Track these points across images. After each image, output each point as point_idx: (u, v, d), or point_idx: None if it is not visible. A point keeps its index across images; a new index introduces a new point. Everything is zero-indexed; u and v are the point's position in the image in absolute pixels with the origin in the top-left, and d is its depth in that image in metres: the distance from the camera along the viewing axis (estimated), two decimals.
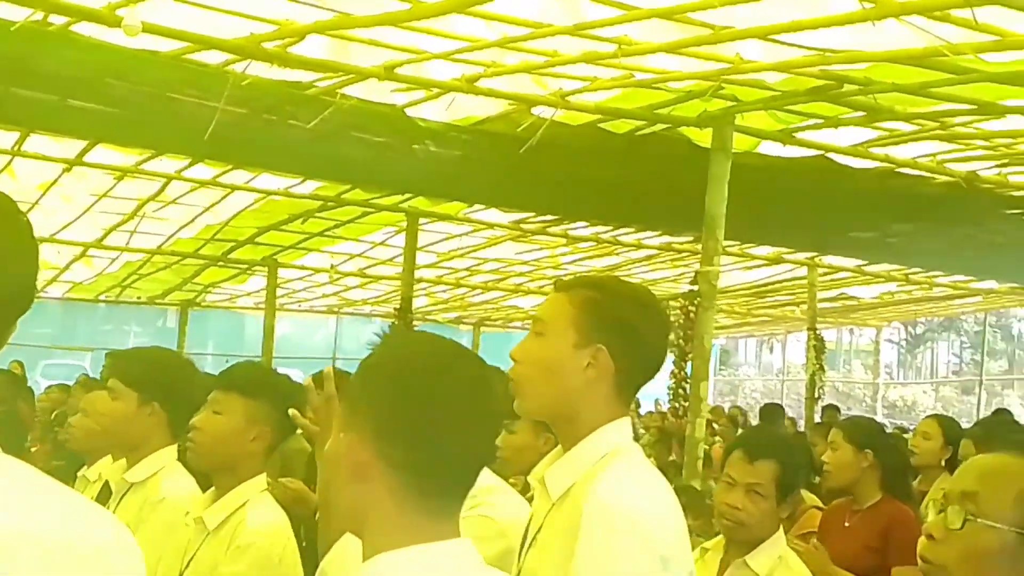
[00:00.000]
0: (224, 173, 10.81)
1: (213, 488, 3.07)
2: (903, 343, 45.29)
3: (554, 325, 2.23)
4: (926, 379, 46.21)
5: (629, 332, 2.20)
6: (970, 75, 5.70)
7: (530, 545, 2.20)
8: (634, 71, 6.36)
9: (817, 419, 13.02)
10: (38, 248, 1.45)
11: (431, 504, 1.63)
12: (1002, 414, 10.45)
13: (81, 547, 1.25)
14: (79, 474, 4.49)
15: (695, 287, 7.86)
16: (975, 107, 6.61)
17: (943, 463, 5.82)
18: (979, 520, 1.82)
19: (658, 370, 2.29)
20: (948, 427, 6.06)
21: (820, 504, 5.58)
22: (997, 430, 6.08)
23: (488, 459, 1.73)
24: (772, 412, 12.87)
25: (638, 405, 16.71)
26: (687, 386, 7.91)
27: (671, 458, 9.43)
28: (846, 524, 4.66)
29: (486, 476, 2.84)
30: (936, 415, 6.69)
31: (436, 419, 1.63)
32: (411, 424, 1.62)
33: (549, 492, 2.17)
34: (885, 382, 33.80)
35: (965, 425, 7.05)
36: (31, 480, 1.30)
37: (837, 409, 15.48)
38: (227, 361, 17.35)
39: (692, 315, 7.79)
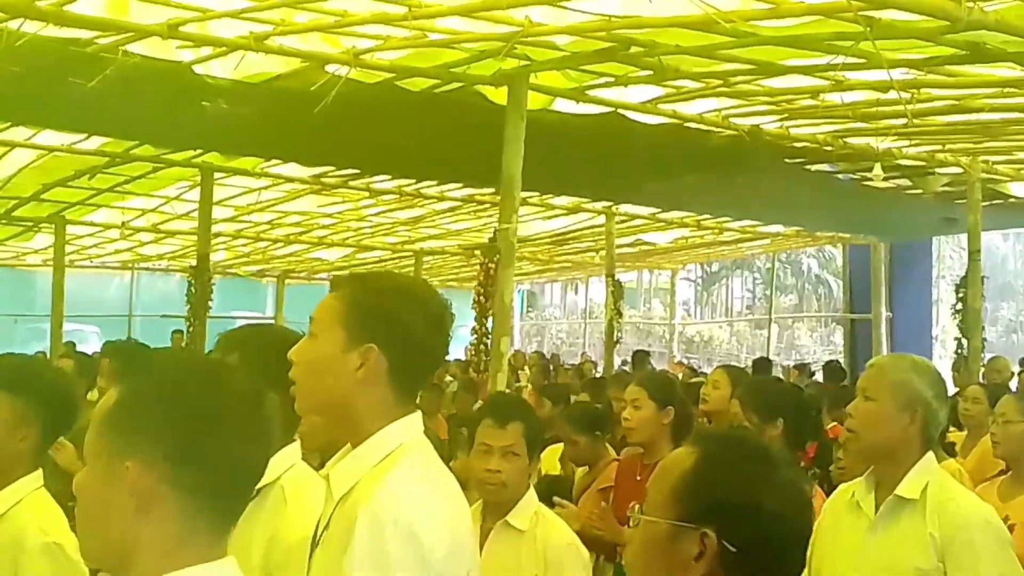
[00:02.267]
0: (2, 130, 10.27)
1: None
2: (699, 281, 47.00)
3: (325, 326, 2.21)
4: (721, 316, 48.25)
5: (399, 328, 2.18)
6: (748, 39, 5.91)
7: (317, 544, 2.19)
8: (427, 31, 6.32)
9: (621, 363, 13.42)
10: None
11: (217, 524, 1.63)
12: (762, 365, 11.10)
13: None
14: None
15: (495, 243, 7.93)
16: (756, 67, 6.87)
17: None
18: (644, 517, 1.87)
19: (437, 364, 2.30)
20: (735, 376, 6.33)
21: (617, 456, 5.71)
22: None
23: (261, 474, 1.73)
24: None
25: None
26: (488, 341, 8.01)
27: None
28: (638, 478, 4.77)
29: None
30: (725, 366, 6.99)
31: (223, 437, 1.62)
32: (201, 445, 1.60)
33: (332, 492, 2.17)
34: (682, 320, 35.05)
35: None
36: None
37: (647, 355, 15.66)
38: (15, 321, 16.83)
39: (492, 271, 7.87)
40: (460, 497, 2.25)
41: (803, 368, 14.90)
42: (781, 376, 12.48)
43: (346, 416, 2.21)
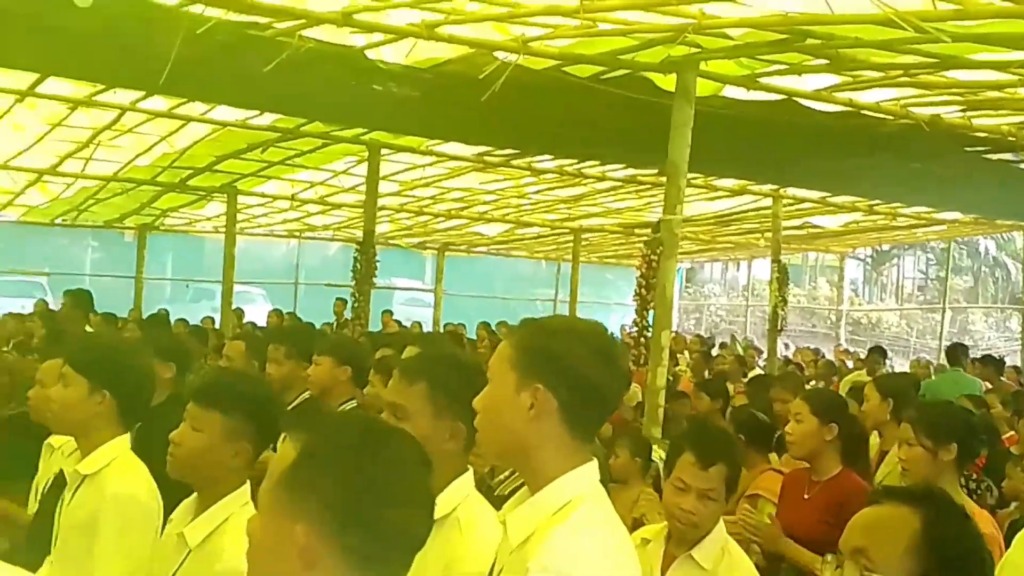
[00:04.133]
0: (180, 105, 10.68)
1: (195, 497, 3.01)
2: (868, 260, 45.44)
3: (498, 370, 2.21)
4: (891, 296, 46.57)
5: (565, 367, 2.14)
6: (931, 35, 5.62)
7: None
8: (597, 22, 6.25)
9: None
10: None
11: None
12: (956, 352, 10.50)
13: None
14: (47, 441, 4.45)
15: (657, 234, 7.80)
16: (939, 60, 6.56)
17: (889, 416, 5.85)
18: (874, 575, 1.89)
19: (611, 403, 2.24)
20: (886, 385, 6.09)
21: (778, 466, 5.56)
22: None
23: (424, 540, 1.73)
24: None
25: None
26: (648, 334, 7.91)
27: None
28: (805, 496, 4.65)
29: None
30: (876, 378, 6.74)
31: (392, 505, 1.65)
32: (370, 512, 1.63)
33: (509, 537, 2.15)
34: (849, 305, 33.93)
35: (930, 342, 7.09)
36: None
37: (883, 353, 13.52)
38: (187, 286, 17.53)
39: (654, 264, 7.75)
40: (630, 552, 2.19)
41: (991, 362, 12.23)
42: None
43: (526, 459, 2.19)
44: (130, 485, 3.21)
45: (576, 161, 12.67)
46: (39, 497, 4.02)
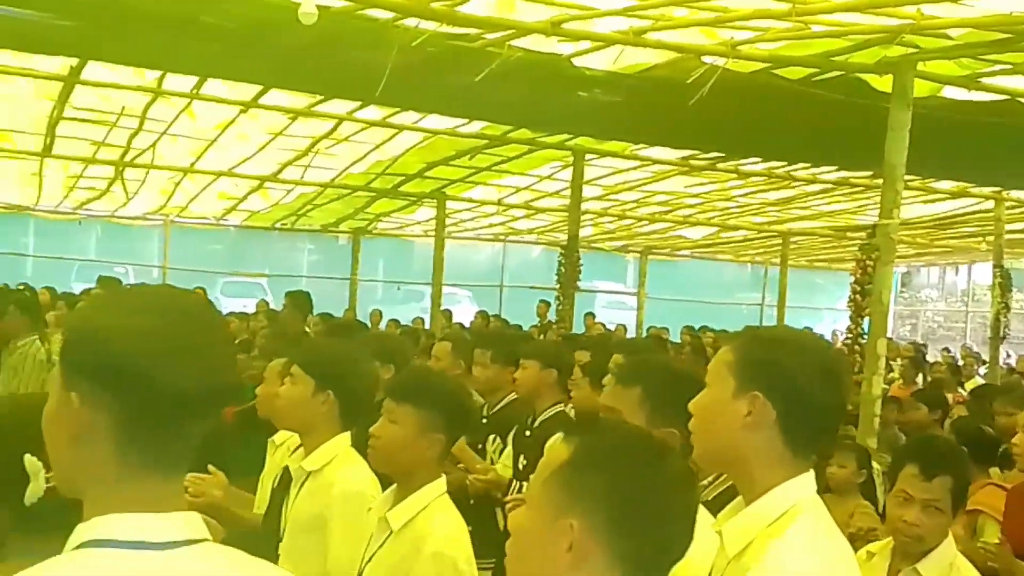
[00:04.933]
0: (393, 114, 11.05)
1: (395, 487, 3.15)
2: None
3: (717, 376, 2.21)
4: None
5: (785, 378, 2.11)
6: None
7: None
8: (808, 24, 6.12)
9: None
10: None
11: None
12: None
13: None
14: (271, 438, 4.68)
15: (873, 238, 7.56)
16: None
17: None
18: None
19: (832, 419, 2.21)
20: None
21: (999, 481, 5.32)
22: None
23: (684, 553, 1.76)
24: None
25: None
26: (863, 342, 7.68)
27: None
28: None
29: None
30: None
31: (660, 512, 1.68)
32: (640, 517, 1.66)
33: (725, 548, 2.15)
34: None
35: None
36: None
37: None
38: (398, 288, 18.03)
39: (869, 269, 7.51)
40: (851, 561, 2.15)
41: None
42: None
43: (738, 466, 2.18)
44: (354, 481, 3.38)
45: (785, 163, 12.42)
46: (266, 492, 4.22)
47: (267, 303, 15.94)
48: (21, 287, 11.99)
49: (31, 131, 12.30)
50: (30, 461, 1.85)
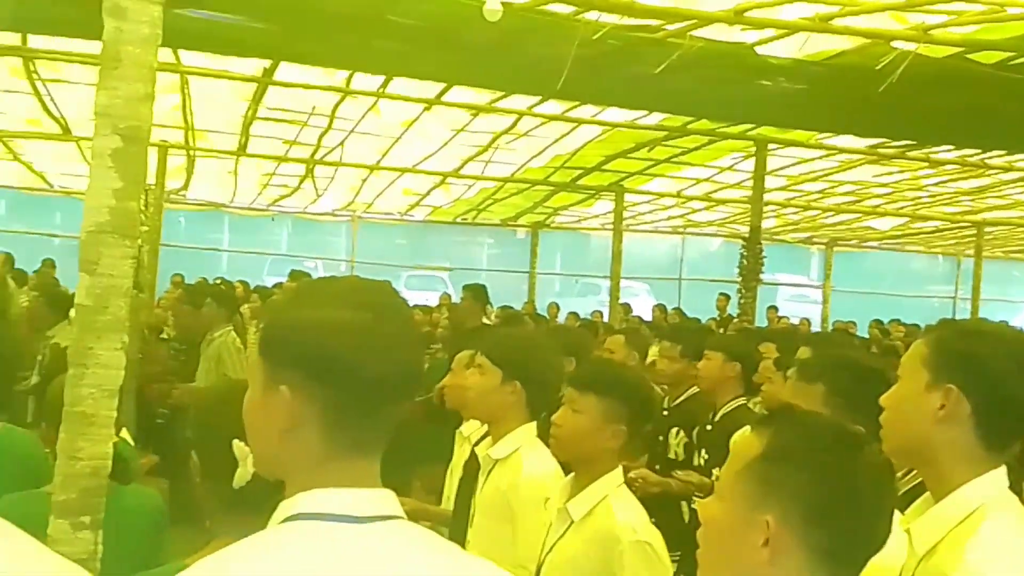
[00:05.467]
0: (572, 108, 11.07)
1: (572, 476, 3.18)
2: None
3: (910, 368, 2.14)
4: None
5: (982, 372, 2.04)
6: None
7: None
8: (1005, 6, 5.84)
9: None
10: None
11: None
12: None
13: None
14: (457, 431, 4.77)
15: None
16: None
17: None
18: None
19: None
20: None
21: None
22: None
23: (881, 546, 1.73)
24: None
25: None
26: None
27: None
28: None
29: None
30: None
31: (858, 506, 1.66)
32: (837, 510, 1.65)
33: (914, 546, 2.08)
34: None
35: None
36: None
37: None
38: (576, 282, 18.13)
39: None
40: None
41: None
42: None
43: (928, 460, 2.11)
44: (539, 469, 3.42)
45: (979, 151, 11.88)
46: (454, 483, 4.31)
47: (449, 296, 16.27)
48: (218, 281, 12.59)
49: (227, 131, 12.85)
50: (238, 446, 1.96)
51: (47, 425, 3.19)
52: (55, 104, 11.40)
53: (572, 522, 3.05)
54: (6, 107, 11.76)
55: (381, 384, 1.43)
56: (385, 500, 1.45)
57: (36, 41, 9.36)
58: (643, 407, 3.24)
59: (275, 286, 13.07)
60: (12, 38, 9.31)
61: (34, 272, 13.24)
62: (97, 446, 2.77)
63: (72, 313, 8.09)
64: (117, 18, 2.88)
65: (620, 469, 3.17)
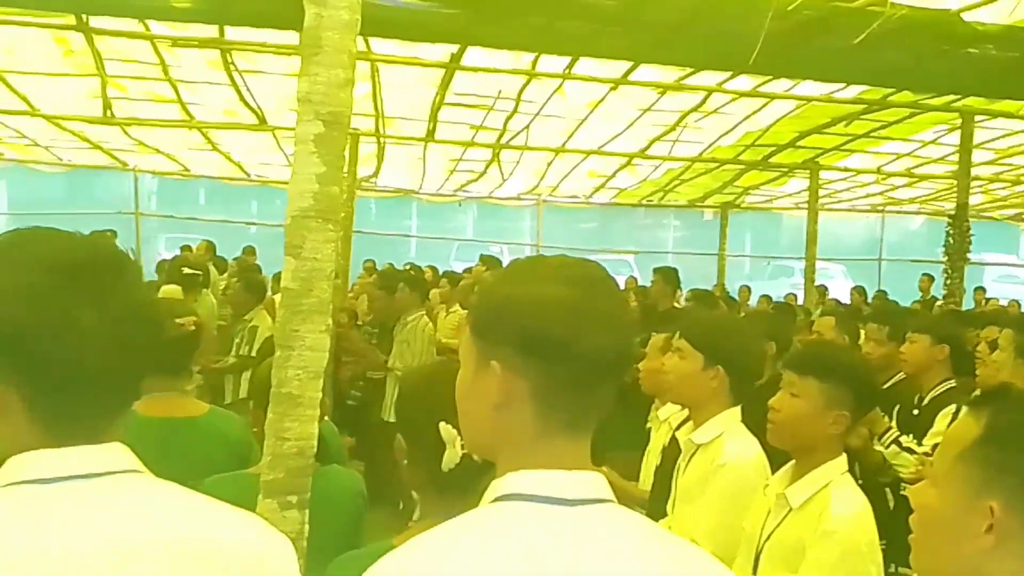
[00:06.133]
0: (764, 83, 10.78)
1: (793, 463, 3.06)
2: None
3: None
4: None
5: None
6: None
7: None
8: None
9: None
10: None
11: None
12: None
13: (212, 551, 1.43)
14: (651, 413, 4.69)
15: None
16: None
17: None
18: None
19: None
20: None
21: None
22: None
23: None
24: None
25: None
26: None
27: None
28: None
29: None
30: None
31: None
32: None
33: None
34: None
35: None
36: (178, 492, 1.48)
37: None
38: (768, 264, 17.73)
39: None
40: None
41: None
42: None
43: None
44: (743, 456, 3.32)
45: None
46: (650, 467, 4.24)
47: (635, 280, 16.13)
48: (407, 266, 12.83)
49: (416, 118, 13.05)
50: (445, 429, 1.94)
51: (254, 406, 3.26)
52: (252, 95, 11.78)
53: (791, 509, 2.95)
54: (205, 99, 12.22)
55: (592, 361, 1.41)
56: (596, 483, 1.43)
57: (233, 33, 9.68)
58: (867, 392, 3.09)
59: (464, 271, 13.22)
60: (210, 31, 9.66)
61: (234, 259, 13.78)
62: (303, 426, 2.80)
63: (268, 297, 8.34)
64: (318, 5, 2.90)
65: (844, 457, 3.04)
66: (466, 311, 9.48)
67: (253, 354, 7.60)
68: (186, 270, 8.33)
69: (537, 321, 1.40)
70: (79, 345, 1.38)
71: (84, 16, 9.09)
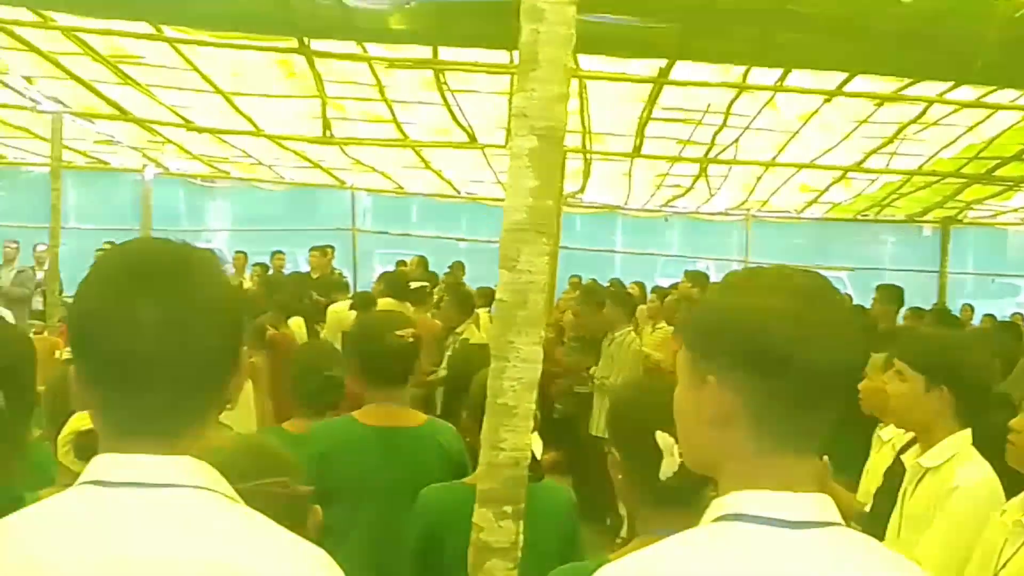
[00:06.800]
0: (988, 93, 10.30)
1: None
2: None
3: None
4: None
5: None
6: None
7: None
8: None
9: None
10: None
11: None
12: None
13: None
14: (876, 433, 4.54)
15: None
16: None
17: None
18: None
19: None
20: None
21: None
22: None
23: None
24: None
25: None
26: None
27: None
28: None
29: None
30: None
31: None
32: None
33: None
34: None
35: None
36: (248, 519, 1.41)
37: None
38: (992, 281, 16.88)
39: None
40: None
41: None
42: None
43: None
44: (976, 481, 3.19)
45: None
46: (869, 487, 4.11)
47: (850, 297, 15.61)
48: (612, 282, 12.82)
49: (622, 133, 13.04)
50: (662, 437, 1.93)
51: (468, 417, 3.33)
52: (463, 113, 12.04)
53: None
54: (418, 118, 12.56)
55: (814, 376, 1.36)
56: (822, 504, 1.38)
57: (446, 53, 9.92)
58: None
59: (671, 286, 13.10)
60: (424, 51, 9.93)
61: (444, 273, 14.10)
62: (518, 437, 2.83)
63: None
64: (535, 20, 2.93)
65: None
66: (672, 328, 9.41)
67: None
68: (413, 284, 8.62)
69: (754, 334, 1.37)
70: (133, 344, 1.38)
71: (306, 40, 9.49)
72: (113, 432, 1.42)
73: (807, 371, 1.35)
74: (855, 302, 13.27)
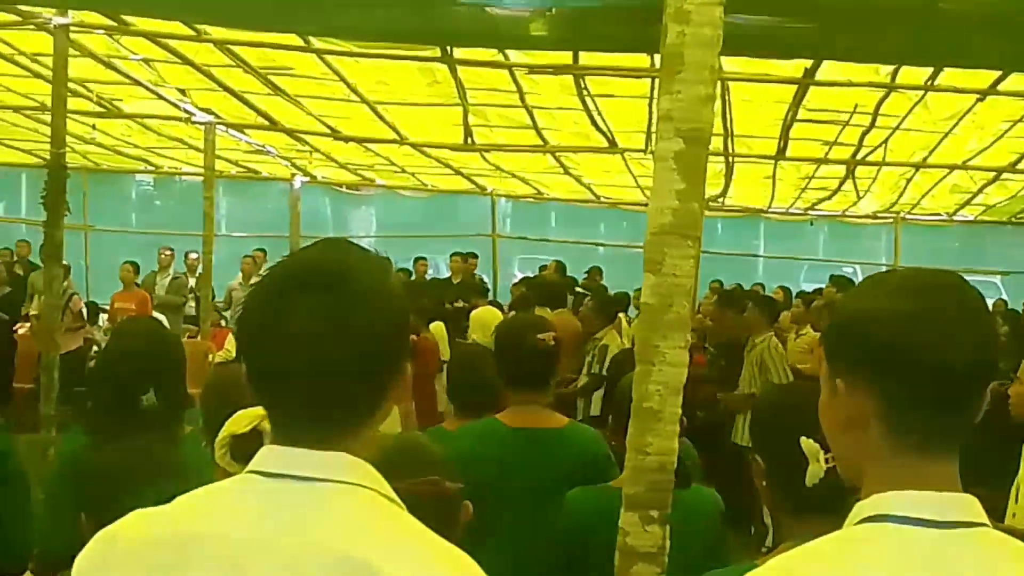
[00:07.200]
0: None
1: None
2: None
3: None
4: None
5: None
6: None
7: None
8: None
9: None
10: None
11: None
12: None
13: None
14: None
15: None
16: None
17: None
18: None
19: None
20: None
21: None
22: None
23: None
24: None
25: None
26: None
27: None
28: None
29: None
30: None
31: None
32: None
33: None
34: None
35: None
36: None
37: None
38: None
39: None
40: None
41: None
42: None
43: None
44: None
45: None
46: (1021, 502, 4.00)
47: (1005, 302, 15.09)
48: (755, 287, 12.64)
49: (765, 135, 12.82)
50: (807, 443, 1.91)
51: (613, 420, 3.33)
52: (602, 118, 12.01)
53: None
54: (557, 124, 12.59)
55: (943, 375, 1.35)
56: (969, 505, 1.37)
57: (585, 59, 9.92)
58: None
59: (814, 291, 12.85)
60: (564, 57, 9.95)
61: (583, 278, 14.11)
62: (664, 441, 2.82)
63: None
64: (680, 22, 2.92)
65: None
66: (818, 334, 9.22)
67: (604, 372, 7.76)
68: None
69: (877, 336, 1.38)
70: (288, 353, 1.42)
71: (449, 48, 9.61)
72: (279, 428, 1.48)
73: (933, 370, 1.35)
74: (1009, 306, 12.85)
